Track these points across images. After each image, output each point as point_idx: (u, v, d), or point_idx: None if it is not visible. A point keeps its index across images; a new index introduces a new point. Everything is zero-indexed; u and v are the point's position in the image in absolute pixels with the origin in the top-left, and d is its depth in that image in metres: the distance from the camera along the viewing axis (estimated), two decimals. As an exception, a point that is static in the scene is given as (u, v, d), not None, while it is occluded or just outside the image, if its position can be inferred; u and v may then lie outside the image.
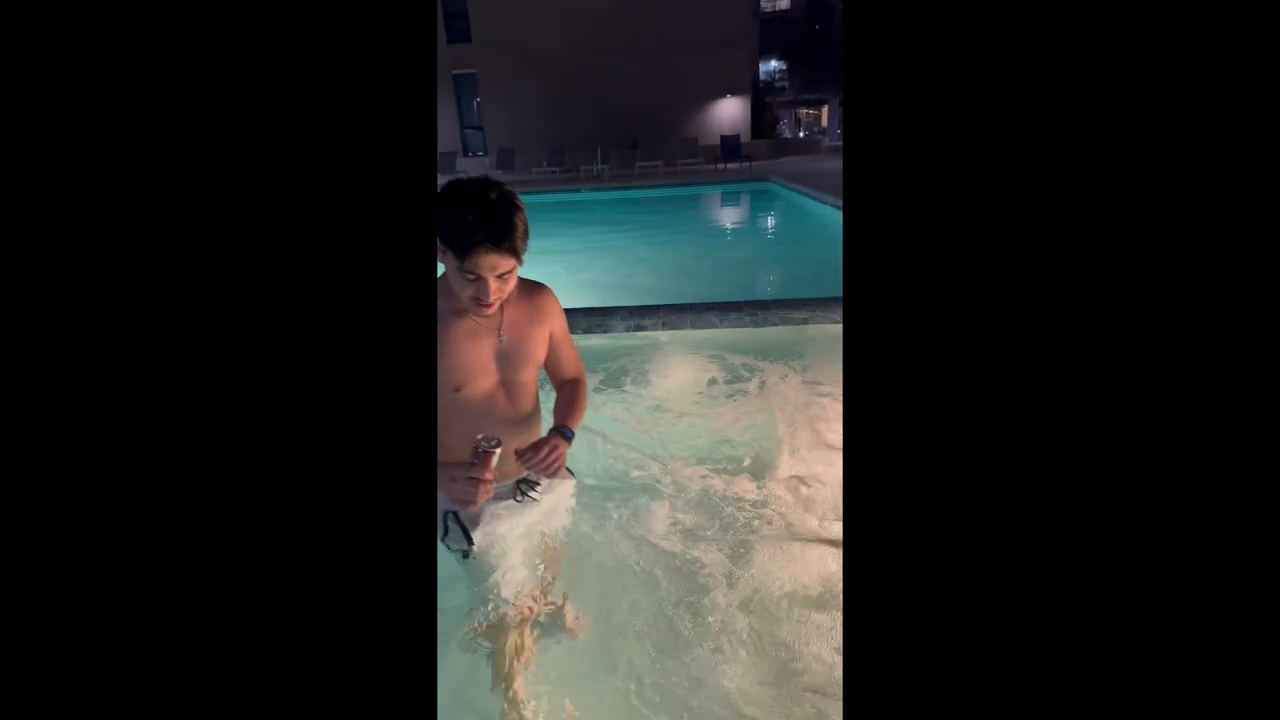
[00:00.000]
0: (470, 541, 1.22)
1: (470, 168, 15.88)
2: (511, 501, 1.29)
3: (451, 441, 1.19)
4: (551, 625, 1.42)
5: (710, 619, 1.50)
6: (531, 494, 1.25)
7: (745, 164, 14.01)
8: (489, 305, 1.11)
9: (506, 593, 1.27)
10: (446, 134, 16.68)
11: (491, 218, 1.02)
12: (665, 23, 15.16)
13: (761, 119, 17.15)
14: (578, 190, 12.47)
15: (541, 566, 1.41)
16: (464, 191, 1.05)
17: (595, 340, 3.27)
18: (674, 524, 1.85)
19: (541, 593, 1.40)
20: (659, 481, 2.07)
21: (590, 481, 2.05)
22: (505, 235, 1.03)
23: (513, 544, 1.29)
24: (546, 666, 1.35)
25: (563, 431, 1.23)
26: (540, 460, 1.16)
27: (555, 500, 1.43)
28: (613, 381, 2.83)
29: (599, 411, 2.54)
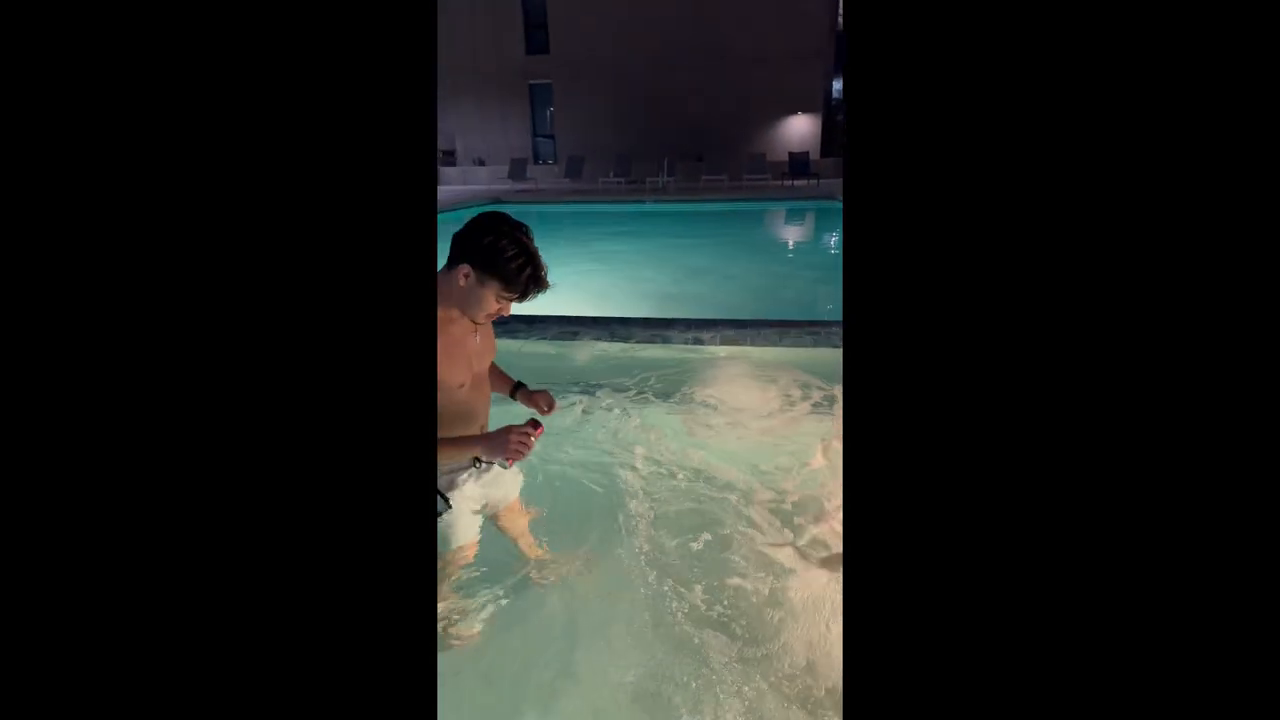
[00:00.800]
0: (448, 504, 1.46)
1: (540, 175, 16.24)
2: (471, 470, 1.51)
3: (461, 432, 1.42)
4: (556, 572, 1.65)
5: (743, 612, 1.47)
6: (482, 464, 1.49)
7: (813, 181, 13.83)
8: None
9: (463, 540, 1.54)
10: (519, 142, 17.15)
11: (543, 264, 1.31)
12: (741, 38, 15.16)
13: (832, 137, 16.91)
14: (642, 201, 12.57)
15: (499, 519, 1.73)
16: (525, 239, 1.29)
17: (653, 351, 3.27)
18: (707, 545, 1.82)
19: (515, 539, 1.74)
20: (700, 493, 2.04)
21: (631, 493, 2.04)
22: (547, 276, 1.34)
23: (469, 506, 1.55)
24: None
25: (526, 385, 1.66)
26: (552, 406, 1.61)
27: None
28: (666, 393, 2.81)
29: (636, 418, 2.52)
